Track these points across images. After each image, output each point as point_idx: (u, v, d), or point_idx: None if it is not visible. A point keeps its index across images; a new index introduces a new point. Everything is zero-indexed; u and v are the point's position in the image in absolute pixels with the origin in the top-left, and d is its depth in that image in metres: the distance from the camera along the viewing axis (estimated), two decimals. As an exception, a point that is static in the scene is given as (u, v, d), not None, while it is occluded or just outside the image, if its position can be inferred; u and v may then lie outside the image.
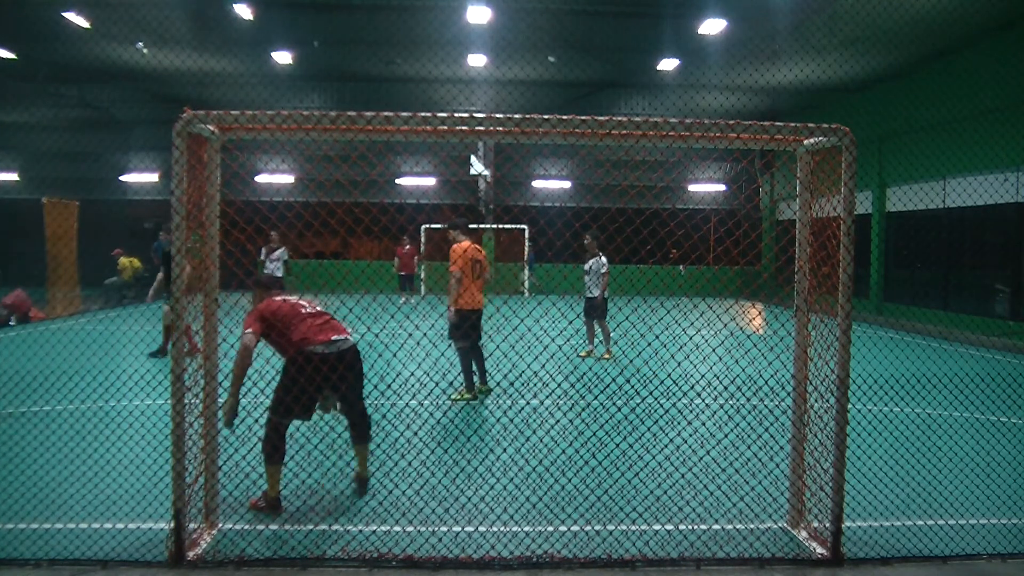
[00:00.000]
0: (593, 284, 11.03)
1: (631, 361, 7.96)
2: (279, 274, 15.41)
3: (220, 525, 4.60)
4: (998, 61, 15.68)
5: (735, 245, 25.21)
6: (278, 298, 5.25)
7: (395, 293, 22.18)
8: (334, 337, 5.03)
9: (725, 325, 6.72)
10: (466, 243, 8.23)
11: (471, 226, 25.96)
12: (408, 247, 22.32)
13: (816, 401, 4.57)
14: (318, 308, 5.28)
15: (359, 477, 5.34)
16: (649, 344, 6.92)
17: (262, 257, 15.48)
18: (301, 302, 5.28)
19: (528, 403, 8.15)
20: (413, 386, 8.84)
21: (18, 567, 4.06)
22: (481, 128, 4.27)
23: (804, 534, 4.61)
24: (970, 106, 16.39)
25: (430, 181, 29.27)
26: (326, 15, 16.65)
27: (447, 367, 9.66)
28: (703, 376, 8.82)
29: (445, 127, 4.19)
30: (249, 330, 4.90)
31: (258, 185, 27.94)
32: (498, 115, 4.21)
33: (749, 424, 7.06)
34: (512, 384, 8.54)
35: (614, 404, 7.91)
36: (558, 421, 7.38)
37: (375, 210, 5.90)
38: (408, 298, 22.35)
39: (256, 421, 6.31)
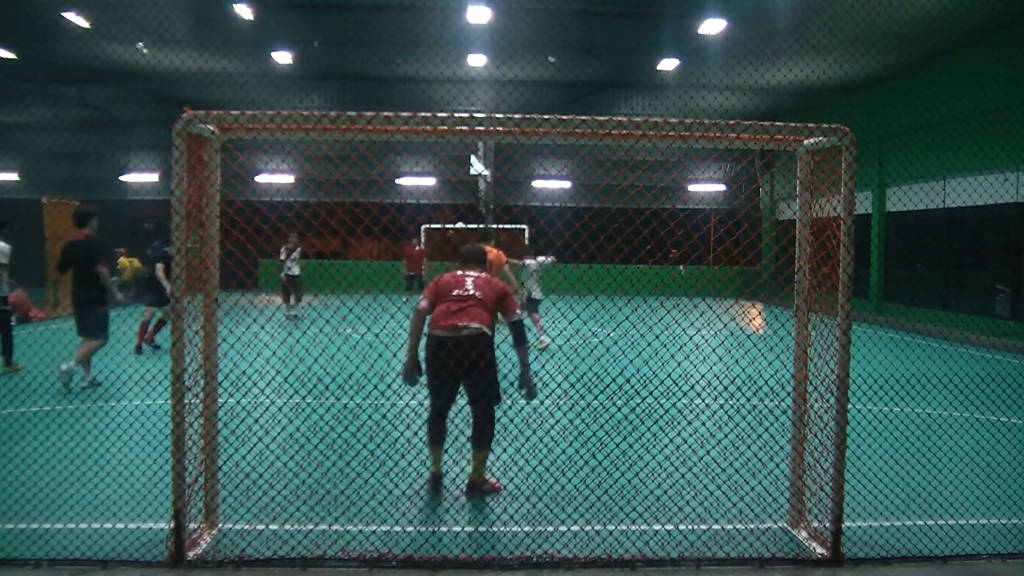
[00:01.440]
0: (535, 284, 12.60)
1: (631, 361, 7.96)
2: (296, 272, 16.26)
3: (220, 525, 4.60)
4: (998, 61, 15.68)
5: (735, 245, 25.21)
6: (458, 272, 5.48)
7: (401, 293, 22.32)
8: (459, 324, 5.08)
9: (725, 325, 6.71)
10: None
11: (471, 226, 26.07)
12: (419, 248, 22.66)
13: (816, 401, 4.57)
14: (475, 293, 5.25)
15: (469, 481, 5.33)
16: (649, 344, 6.91)
17: (282, 257, 16.13)
18: (466, 281, 5.34)
19: (528, 403, 8.13)
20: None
21: (18, 567, 4.06)
22: (481, 128, 4.27)
23: (804, 534, 4.61)
24: (970, 106, 16.38)
25: (430, 181, 29.27)
26: (326, 15, 16.64)
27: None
28: (703, 376, 8.81)
29: (445, 127, 4.19)
30: (423, 297, 5.32)
31: (258, 185, 27.94)
32: (498, 115, 4.21)
33: (749, 424, 7.06)
34: (512, 384, 8.52)
35: (614, 404, 7.90)
36: (558, 421, 7.37)
37: (375, 210, 5.89)
38: (410, 297, 22.47)
39: (256, 421, 6.31)
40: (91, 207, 8.94)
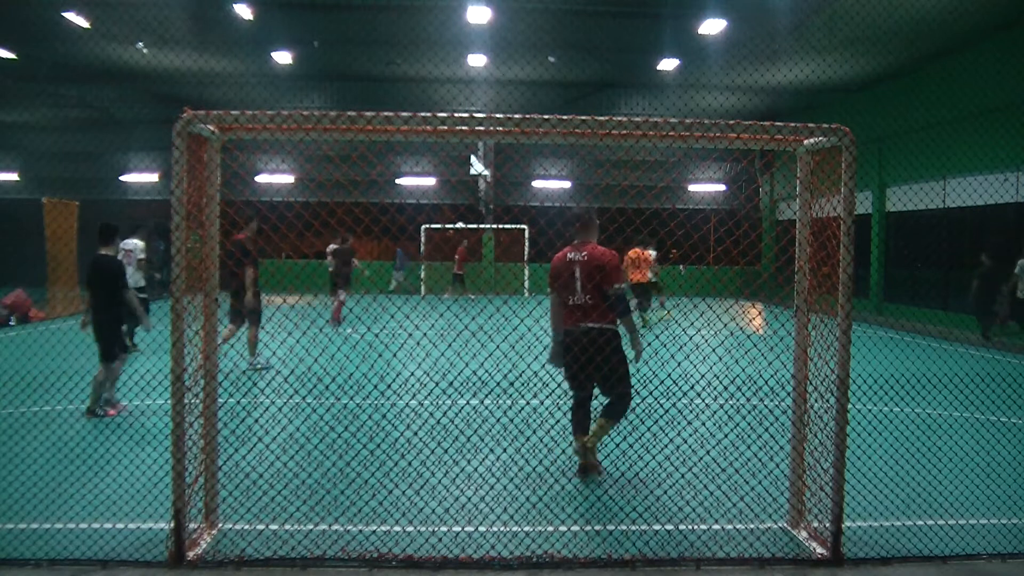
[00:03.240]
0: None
1: (630, 361, 7.93)
2: (334, 268, 17.07)
3: (220, 525, 4.60)
4: (998, 61, 15.67)
5: (735, 245, 25.19)
6: (568, 255, 5.63)
7: (449, 293, 23.84)
8: (582, 325, 5.48)
9: (725, 325, 6.72)
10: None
11: (471, 226, 26.07)
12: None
13: (816, 401, 4.57)
14: (587, 299, 5.49)
15: (584, 440, 5.63)
16: (649, 344, 6.91)
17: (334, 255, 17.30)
18: (575, 275, 5.51)
19: (528, 403, 8.15)
20: (413, 386, 8.84)
21: (18, 567, 4.06)
22: (481, 128, 4.27)
23: (804, 534, 4.61)
24: (970, 106, 16.37)
25: (430, 181, 29.26)
26: (326, 15, 16.64)
27: (447, 367, 9.65)
28: (703, 376, 8.80)
29: (445, 127, 4.19)
30: (549, 287, 5.72)
31: (258, 185, 27.93)
32: (498, 115, 4.21)
33: (749, 424, 7.06)
34: (512, 384, 8.53)
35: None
36: (558, 421, 7.37)
37: (375, 210, 5.93)
38: (463, 294, 23.23)
39: (256, 421, 6.31)
40: (251, 212, 9.55)
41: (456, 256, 23.96)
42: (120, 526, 4.60)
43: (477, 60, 19.44)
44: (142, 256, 11.59)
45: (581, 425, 5.66)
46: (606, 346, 5.40)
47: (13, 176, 28.97)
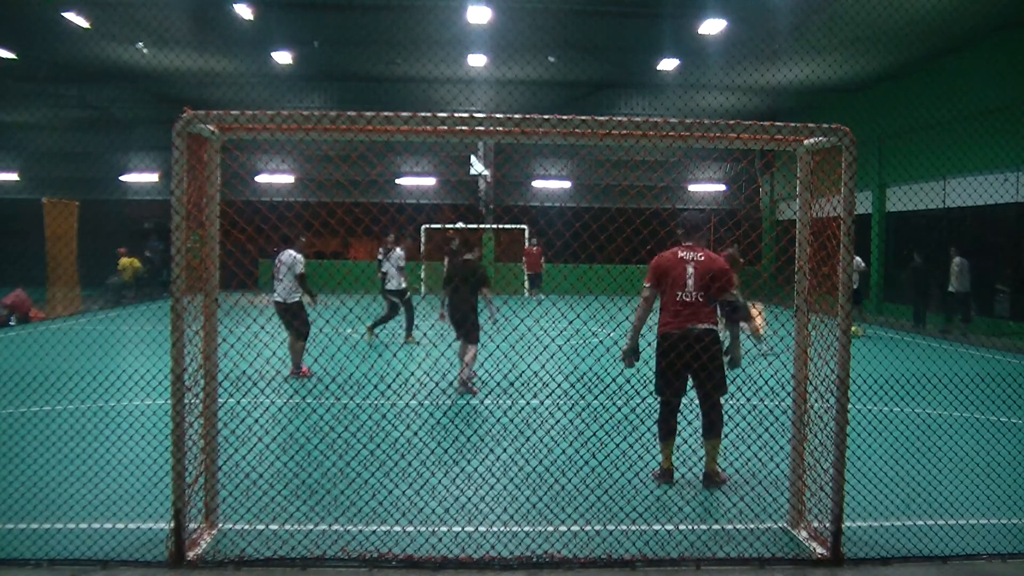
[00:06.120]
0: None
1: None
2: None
3: (220, 525, 4.60)
4: (998, 61, 15.67)
5: (735, 245, 25.18)
6: (679, 253, 5.56)
7: (525, 291, 24.75)
8: (688, 326, 5.41)
9: (724, 325, 6.73)
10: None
11: (471, 226, 26.07)
12: (536, 248, 23.74)
13: (816, 401, 4.57)
14: (698, 296, 5.44)
15: (706, 472, 5.62)
16: (650, 344, 6.90)
17: (380, 257, 16.93)
18: (686, 272, 5.46)
19: (528, 403, 8.14)
20: (413, 386, 8.84)
21: (18, 567, 4.06)
22: (481, 128, 4.27)
23: (804, 534, 4.61)
24: (970, 106, 16.37)
25: (430, 181, 29.26)
26: (326, 15, 16.65)
27: (447, 367, 9.66)
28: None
29: (445, 127, 4.19)
30: (647, 284, 5.59)
31: (258, 185, 27.93)
32: (498, 115, 4.20)
33: (749, 424, 7.06)
34: (512, 384, 8.53)
35: (614, 404, 7.90)
36: (558, 421, 7.37)
37: (375, 210, 5.92)
38: (537, 294, 23.60)
39: (256, 421, 6.31)
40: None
41: (524, 257, 25.15)
42: (120, 526, 4.60)
43: (477, 60, 19.44)
44: (402, 264, 12.62)
45: (672, 431, 5.65)
46: (712, 346, 5.45)
47: (13, 176, 28.97)
